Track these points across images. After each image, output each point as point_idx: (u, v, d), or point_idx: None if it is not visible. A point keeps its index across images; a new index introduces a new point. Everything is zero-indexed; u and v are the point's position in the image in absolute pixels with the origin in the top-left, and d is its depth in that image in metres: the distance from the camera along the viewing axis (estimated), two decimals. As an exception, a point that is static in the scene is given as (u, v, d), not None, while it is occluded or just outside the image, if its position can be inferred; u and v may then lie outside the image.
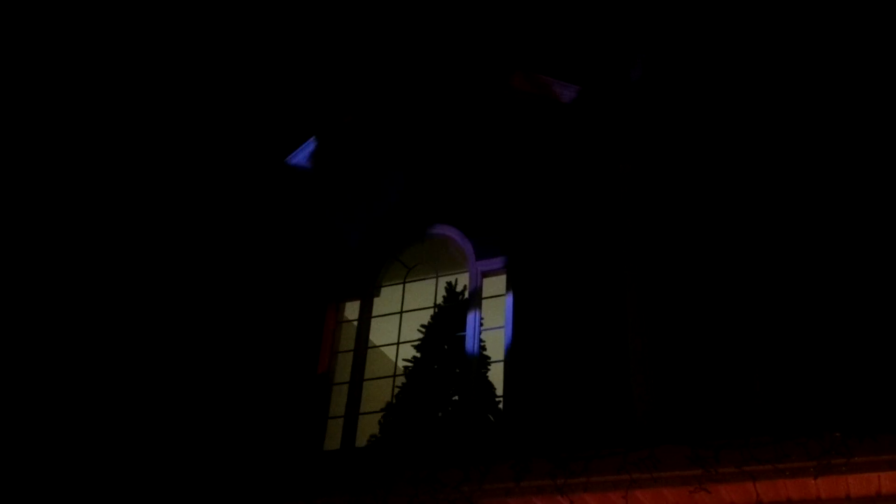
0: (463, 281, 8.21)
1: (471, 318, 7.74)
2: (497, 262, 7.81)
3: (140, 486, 7.84)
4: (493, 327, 7.76)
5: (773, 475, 4.82)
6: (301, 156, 9.19)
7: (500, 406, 7.31)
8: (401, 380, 8.08)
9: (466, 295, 7.99)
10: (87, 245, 9.65)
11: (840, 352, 5.83)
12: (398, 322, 8.25)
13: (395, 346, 8.25)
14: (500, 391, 7.42)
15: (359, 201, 8.81)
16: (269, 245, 9.13)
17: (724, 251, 6.64)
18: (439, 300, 8.29)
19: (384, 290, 8.33)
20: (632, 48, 7.90)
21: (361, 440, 7.76)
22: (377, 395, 8.17)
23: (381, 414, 8.00)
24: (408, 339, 8.22)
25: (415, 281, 8.34)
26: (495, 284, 7.88)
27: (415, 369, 8.06)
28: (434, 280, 8.27)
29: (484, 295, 7.85)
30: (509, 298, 7.55)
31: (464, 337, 7.74)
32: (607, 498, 5.25)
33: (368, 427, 8.00)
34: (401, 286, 8.35)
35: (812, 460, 4.70)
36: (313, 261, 8.70)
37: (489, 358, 7.79)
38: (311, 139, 9.19)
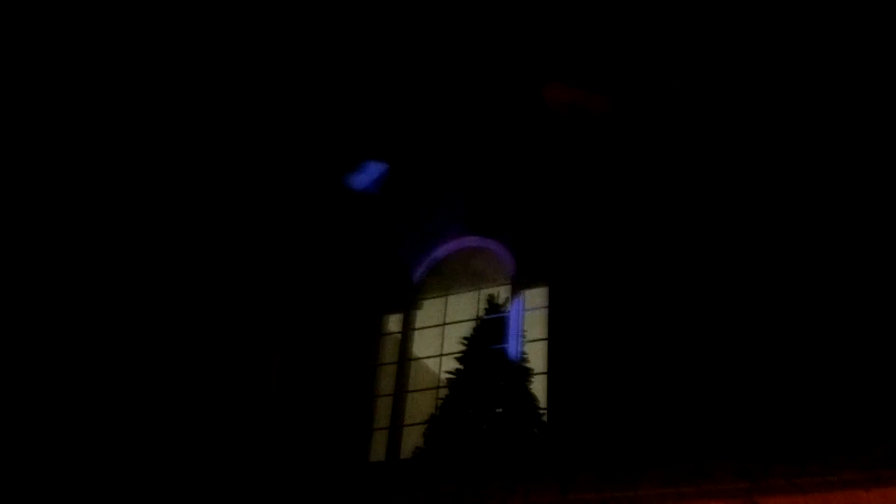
0: (504, 293, 8.24)
1: (512, 329, 7.78)
2: (539, 275, 7.84)
3: (186, 495, 7.99)
4: (535, 339, 7.78)
5: (823, 488, 4.78)
6: (356, 174, 9.29)
7: (544, 418, 7.33)
8: (443, 392, 8.13)
9: (508, 307, 8.03)
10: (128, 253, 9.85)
11: (890, 364, 5.75)
12: (441, 334, 8.32)
13: (437, 359, 8.32)
14: (543, 403, 7.44)
15: (401, 216, 8.92)
16: (313, 259, 9.27)
17: (776, 266, 6.58)
18: (481, 312, 8.34)
19: (426, 303, 8.42)
20: (665, 59, 7.90)
21: (406, 452, 7.83)
22: (420, 407, 8.24)
23: (425, 426, 8.06)
24: (450, 352, 8.28)
25: (456, 294, 8.41)
26: (537, 296, 7.90)
27: (457, 381, 8.11)
28: (476, 293, 8.33)
29: (526, 307, 7.88)
30: (551, 310, 7.57)
31: (506, 349, 7.78)
32: (655, 510, 5.24)
33: (412, 439, 8.06)
34: (443, 299, 8.42)
35: (863, 472, 4.65)
36: (358, 276, 8.81)
37: (532, 370, 7.81)
38: (365, 160, 9.32)
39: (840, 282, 6.25)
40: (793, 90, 7.20)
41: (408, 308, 8.43)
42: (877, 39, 6.77)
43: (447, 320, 8.30)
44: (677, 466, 4.99)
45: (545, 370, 7.40)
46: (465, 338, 8.31)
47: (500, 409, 7.63)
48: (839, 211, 6.53)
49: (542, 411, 7.45)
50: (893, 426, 5.36)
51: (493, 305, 8.33)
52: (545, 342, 7.53)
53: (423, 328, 8.40)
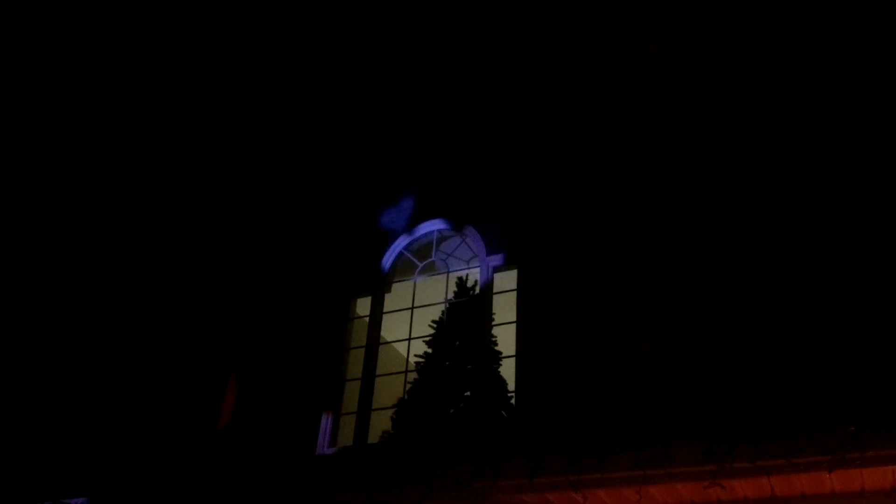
0: (474, 277, 8.21)
1: (482, 313, 7.73)
2: (508, 258, 7.80)
3: (154, 483, 7.89)
4: (504, 322, 7.76)
5: (787, 470, 4.79)
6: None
7: (513, 402, 7.31)
8: (413, 376, 8.10)
9: (477, 290, 7.99)
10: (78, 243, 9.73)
11: (854, 347, 5.81)
12: (409, 318, 8.27)
13: (406, 343, 8.27)
14: (512, 387, 7.42)
15: (370, 200, 8.83)
16: (280, 243, 9.15)
17: (736, 246, 6.61)
18: (450, 296, 8.30)
19: (395, 287, 8.35)
20: (643, 41, 7.86)
21: (374, 437, 7.79)
22: (389, 391, 8.19)
23: (394, 410, 8.03)
24: (419, 335, 8.23)
25: (426, 276, 8.35)
26: (506, 280, 7.87)
27: (426, 365, 8.08)
28: (445, 276, 8.28)
29: (495, 290, 7.85)
30: (520, 294, 7.54)
31: (475, 332, 7.74)
32: (621, 494, 5.24)
33: (381, 423, 8.02)
34: (412, 282, 8.36)
35: (826, 455, 4.67)
36: (326, 259, 8.72)
37: (501, 353, 7.79)
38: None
39: (806, 266, 6.29)
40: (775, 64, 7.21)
41: (377, 291, 8.35)
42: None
43: (416, 304, 8.24)
44: (643, 450, 4.99)
45: (514, 353, 7.37)
46: (434, 321, 8.27)
47: (469, 393, 7.61)
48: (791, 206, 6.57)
49: (510, 395, 7.44)
50: (857, 409, 5.42)
51: (462, 289, 8.29)
52: (514, 325, 7.51)
53: (392, 312, 8.33)
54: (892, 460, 4.65)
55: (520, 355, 7.27)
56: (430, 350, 8.18)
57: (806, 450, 4.73)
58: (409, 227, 8.44)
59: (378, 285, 8.35)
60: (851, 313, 5.92)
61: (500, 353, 7.82)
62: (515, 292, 7.63)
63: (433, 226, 8.34)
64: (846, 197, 6.40)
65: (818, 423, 4.81)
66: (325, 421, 7.72)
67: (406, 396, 8.00)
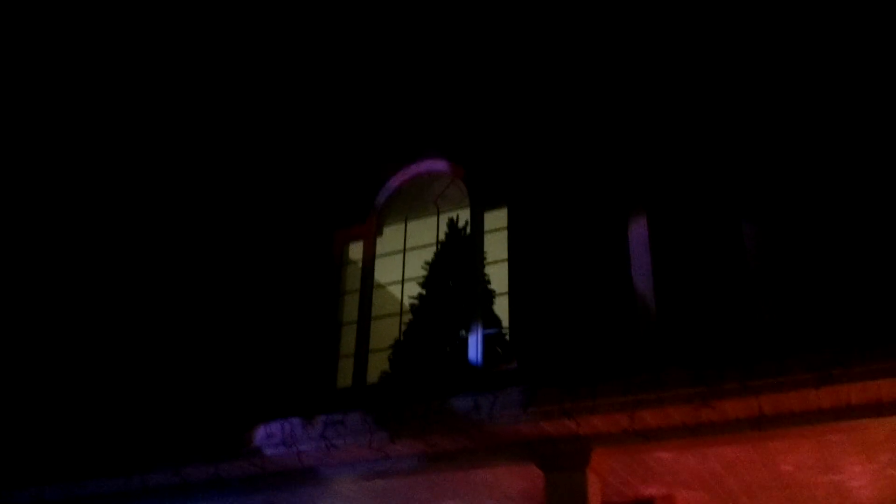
0: (464, 216, 8.22)
1: (474, 252, 7.78)
2: (498, 197, 7.81)
3: (162, 423, 8.03)
4: (496, 260, 7.81)
5: (775, 388, 4.90)
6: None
7: (507, 338, 7.41)
8: (408, 317, 8.18)
9: (468, 230, 8.02)
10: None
11: (840, 268, 5.89)
12: (402, 260, 8.31)
13: (400, 285, 8.33)
14: (505, 323, 7.51)
15: (359, 140, 8.78)
16: (274, 189, 9.12)
17: (726, 174, 6.64)
18: (441, 237, 8.33)
19: (386, 230, 8.36)
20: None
21: (372, 377, 7.90)
22: (385, 333, 8.28)
23: (391, 351, 8.14)
24: (412, 277, 8.29)
25: (417, 219, 8.36)
26: (497, 218, 7.89)
27: (421, 306, 8.16)
28: (436, 217, 8.29)
29: (486, 229, 7.87)
30: (511, 231, 7.57)
31: (467, 272, 7.79)
32: (613, 419, 5.36)
33: (379, 364, 8.14)
34: (403, 225, 8.37)
35: (813, 372, 4.78)
36: (319, 202, 8.68)
37: (494, 291, 7.86)
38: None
39: (789, 191, 6.33)
40: None
41: (369, 235, 8.37)
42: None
43: (408, 246, 8.28)
44: (634, 376, 5.09)
45: (507, 291, 7.44)
46: (427, 262, 8.33)
47: (464, 332, 7.71)
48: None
49: (504, 331, 7.54)
50: (843, 328, 5.53)
51: (453, 229, 8.32)
52: (506, 263, 7.56)
53: (384, 255, 8.37)
54: (879, 374, 4.76)
55: (512, 292, 7.34)
56: (423, 291, 8.25)
57: (794, 368, 4.83)
58: (400, 170, 8.41)
59: (370, 229, 8.37)
60: (837, 237, 5.98)
61: (494, 291, 7.89)
62: (506, 231, 7.66)
63: (423, 167, 8.31)
64: (825, 129, 6.41)
65: (805, 343, 4.91)
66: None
67: (402, 338, 8.10)
